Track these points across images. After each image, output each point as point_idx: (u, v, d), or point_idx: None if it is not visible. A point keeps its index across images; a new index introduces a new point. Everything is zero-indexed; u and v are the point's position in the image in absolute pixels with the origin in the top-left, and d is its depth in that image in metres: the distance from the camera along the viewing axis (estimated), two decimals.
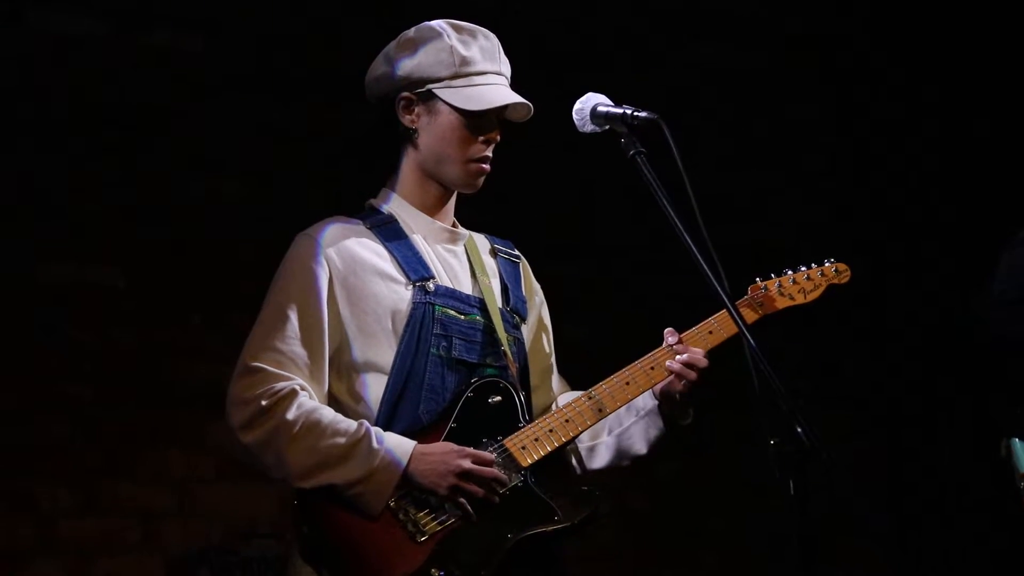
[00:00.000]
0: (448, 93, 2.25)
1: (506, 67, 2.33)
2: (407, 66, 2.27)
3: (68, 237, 3.92)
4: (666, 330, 2.30)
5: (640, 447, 2.32)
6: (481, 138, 2.27)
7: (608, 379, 2.27)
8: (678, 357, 2.25)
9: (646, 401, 2.30)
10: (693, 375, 2.24)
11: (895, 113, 4.99)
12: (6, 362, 3.79)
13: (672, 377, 2.26)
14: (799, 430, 1.84)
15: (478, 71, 2.26)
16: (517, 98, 2.27)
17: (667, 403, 2.29)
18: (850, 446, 4.75)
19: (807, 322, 2.44)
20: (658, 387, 2.28)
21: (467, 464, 2.10)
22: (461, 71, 2.25)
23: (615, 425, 2.34)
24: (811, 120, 5.03)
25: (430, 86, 2.25)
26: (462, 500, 2.10)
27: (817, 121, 5.05)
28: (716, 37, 4.83)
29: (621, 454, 2.34)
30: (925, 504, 4.88)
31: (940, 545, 4.83)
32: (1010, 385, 3.00)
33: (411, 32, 2.31)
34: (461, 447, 2.12)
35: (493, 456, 2.15)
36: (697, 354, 2.25)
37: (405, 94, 2.28)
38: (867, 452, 4.85)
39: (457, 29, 2.29)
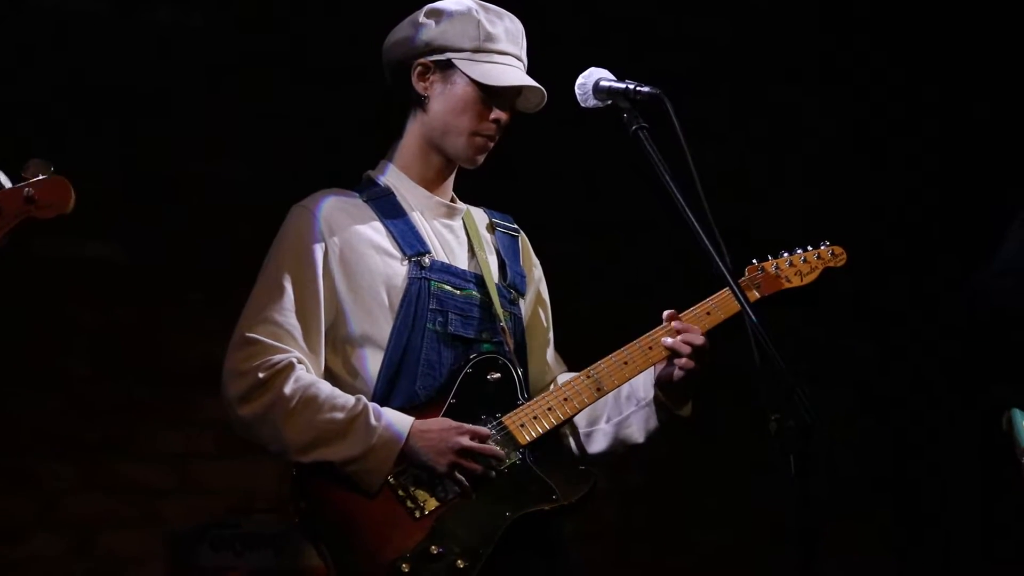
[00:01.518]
0: (468, 65, 2.24)
1: (525, 56, 2.33)
2: (430, 33, 2.27)
3: (72, 213, 3.90)
4: (665, 313, 2.28)
5: (638, 436, 2.31)
6: (492, 115, 2.26)
7: (606, 358, 2.26)
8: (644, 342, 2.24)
9: (647, 391, 2.29)
10: (687, 349, 2.22)
11: (895, 96, 4.97)
12: (5, 338, 3.79)
13: (669, 359, 2.24)
14: (800, 406, 1.84)
15: (500, 50, 2.27)
16: (533, 82, 2.27)
17: (666, 391, 2.27)
18: (853, 426, 4.75)
19: (808, 303, 2.44)
20: (658, 370, 2.26)
21: (465, 441, 2.09)
22: (484, 46, 2.25)
23: (614, 413, 2.33)
24: (810, 103, 5.01)
25: (450, 55, 2.25)
26: (460, 477, 2.09)
27: (816, 104, 5.02)
28: (716, 15, 4.81)
29: (619, 442, 2.33)
30: (926, 482, 4.89)
31: (941, 523, 4.84)
32: (1011, 359, 2.99)
33: (439, 3, 2.31)
34: (459, 424, 2.12)
35: (491, 432, 2.14)
36: (694, 332, 2.24)
37: (422, 60, 2.27)
38: (869, 431, 4.85)
39: (485, 8, 2.30)
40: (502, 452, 2.13)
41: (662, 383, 2.27)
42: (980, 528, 4.73)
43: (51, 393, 3.84)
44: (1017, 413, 2.79)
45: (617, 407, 2.32)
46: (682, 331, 2.24)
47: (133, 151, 3.97)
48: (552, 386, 2.35)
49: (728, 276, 1.99)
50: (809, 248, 2.43)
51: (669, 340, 2.23)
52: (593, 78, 2.18)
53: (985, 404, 3.04)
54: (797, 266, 2.40)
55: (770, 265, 2.38)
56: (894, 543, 4.87)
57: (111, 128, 3.95)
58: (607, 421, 2.34)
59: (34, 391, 3.82)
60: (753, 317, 1.92)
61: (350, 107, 3.91)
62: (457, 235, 2.34)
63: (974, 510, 4.75)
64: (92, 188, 3.90)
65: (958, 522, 4.80)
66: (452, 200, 2.38)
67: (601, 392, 2.24)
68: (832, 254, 2.43)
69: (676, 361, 2.23)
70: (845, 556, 4.42)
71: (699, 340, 2.23)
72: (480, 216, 2.42)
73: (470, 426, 2.12)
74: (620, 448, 2.33)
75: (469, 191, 2.42)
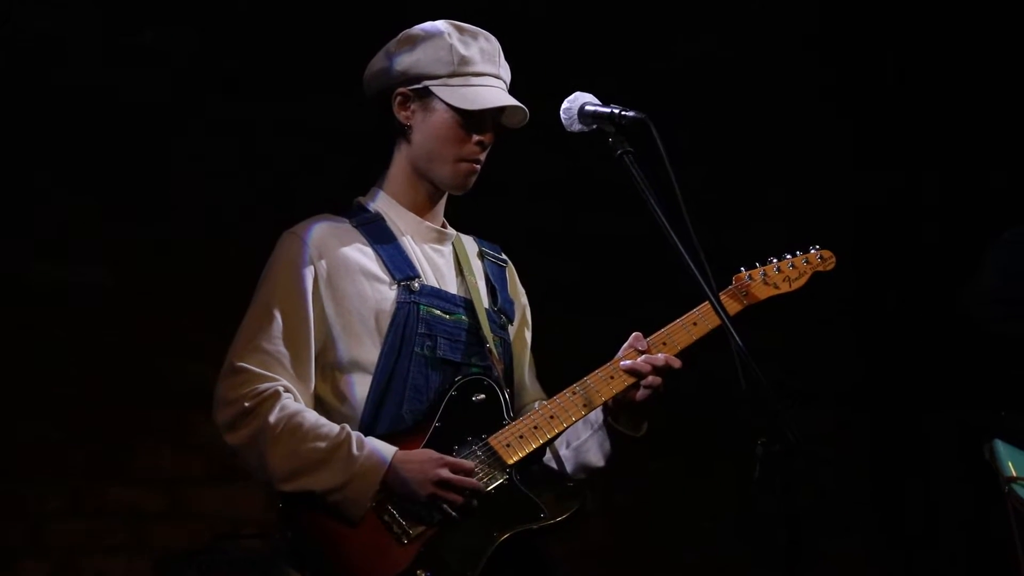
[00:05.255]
0: (445, 91, 2.25)
1: (505, 72, 2.34)
2: (405, 62, 2.27)
3: (60, 236, 3.92)
4: (633, 334, 2.28)
5: (597, 460, 2.31)
6: (475, 138, 2.27)
7: (592, 374, 2.26)
8: (637, 347, 2.24)
9: (598, 415, 2.29)
10: (648, 368, 2.21)
11: (890, 113, 5.00)
12: None
13: (629, 383, 2.22)
14: (786, 430, 1.85)
15: (476, 72, 2.27)
16: (512, 101, 2.28)
17: (623, 414, 2.27)
18: (833, 443, 4.74)
19: (790, 317, 2.44)
20: (614, 396, 2.25)
21: (445, 473, 2.09)
22: (459, 70, 2.26)
23: (573, 438, 2.33)
24: (802, 122, 5.02)
25: (427, 83, 2.26)
26: (442, 506, 2.10)
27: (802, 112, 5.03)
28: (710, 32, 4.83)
29: (579, 467, 2.33)
30: (909, 504, 4.89)
31: (925, 544, 4.84)
32: (994, 386, 3.01)
33: (412, 29, 2.32)
34: (440, 456, 2.12)
35: (472, 464, 2.14)
36: (654, 355, 2.23)
37: (401, 90, 2.28)
38: (850, 449, 4.85)
39: (459, 29, 2.30)
40: (481, 485, 2.13)
41: (619, 406, 2.26)
42: (968, 546, 4.73)
43: (39, 416, 3.82)
44: (999, 443, 2.80)
45: (575, 432, 2.32)
46: (644, 353, 2.24)
47: (122, 173, 3.98)
48: (537, 405, 2.35)
49: (709, 293, 2.00)
50: (798, 253, 2.42)
51: (628, 363, 2.22)
52: (578, 103, 2.19)
53: (970, 427, 3.05)
54: (785, 272, 2.39)
55: (757, 273, 2.38)
56: (880, 561, 4.86)
57: (100, 150, 3.95)
58: (567, 447, 2.34)
59: (22, 415, 3.80)
60: (737, 337, 1.93)
61: (343, 129, 3.92)
62: (447, 260, 2.35)
63: (962, 528, 4.75)
64: (81, 210, 3.96)
65: (945, 540, 4.80)
66: (443, 225, 2.39)
67: (589, 407, 2.23)
68: (821, 258, 2.43)
69: (641, 382, 2.22)
70: (831, 574, 4.43)
71: (660, 361, 2.22)
72: (470, 244, 2.43)
73: (451, 458, 2.12)
74: (581, 472, 2.33)
75: (459, 214, 2.43)
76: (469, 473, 2.12)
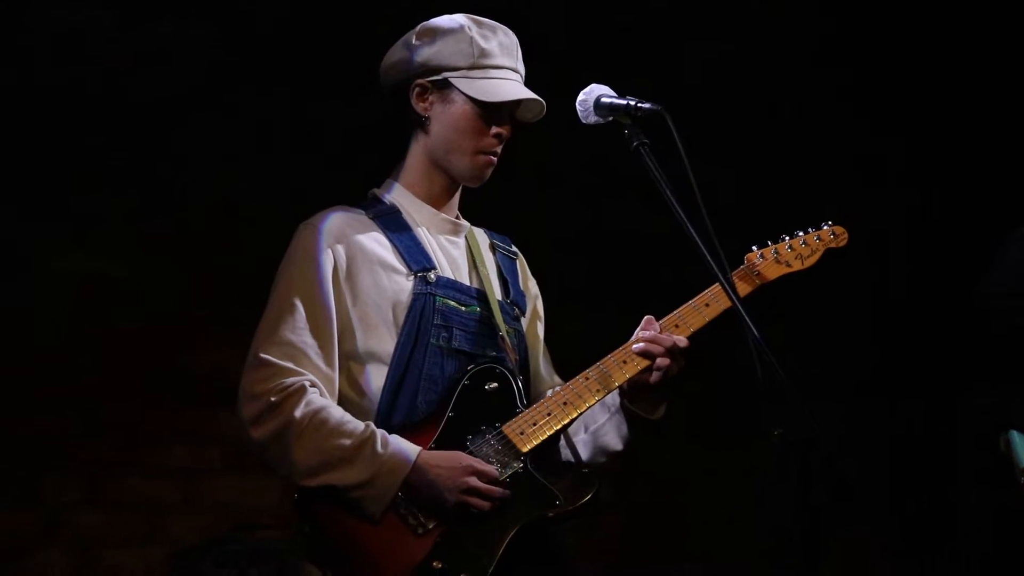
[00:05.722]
0: (464, 83, 2.26)
1: (522, 67, 2.35)
2: (425, 53, 2.28)
3: (74, 228, 3.93)
4: (645, 318, 2.29)
5: (615, 443, 2.31)
6: (493, 130, 2.28)
7: (605, 359, 2.26)
8: (643, 335, 2.24)
9: (615, 398, 2.29)
10: (660, 349, 2.21)
11: (897, 108, 4.99)
12: (11, 354, 3.80)
13: (643, 366, 2.22)
14: (802, 419, 1.85)
15: (495, 64, 2.28)
16: (531, 94, 2.29)
17: (639, 397, 2.27)
18: (847, 432, 4.75)
19: (802, 306, 2.43)
20: (629, 379, 2.25)
21: (474, 482, 2.10)
22: (479, 63, 2.27)
23: (591, 422, 2.33)
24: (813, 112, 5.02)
25: (447, 74, 2.27)
26: (467, 509, 2.10)
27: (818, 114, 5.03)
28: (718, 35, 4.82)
29: (597, 450, 2.33)
30: (926, 494, 4.88)
31: (942, 535, 4.83)
32: (1008, 379, 3.01)
33: (432, 22, 2.33)
34: (469, 462, 2.12)
35: (498, 472, 2.14)
36: (665, 337, 2.22)
37: (420, 81, 2.29)
38: (865, 438, 4.85)
39: (478, 23, 2.31)
40: (509, 494, 2.13)
41: (634, 389, 2.26)
42: (988, 539, 4.72)
43: (57, 408, 3.84)
44: (1015, 435, 2.81)
45: (593, 415, 2.32)
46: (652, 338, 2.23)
47: (139, 165, 3.99)
48: (550, 392, 2.35)
49: (722, 279, 2.00)
50: (810, 230, 2.40)
51: (640, 345, 2.23)
52: (594, 95, 2.20)
53: (988, 416, 3.05)
54: (797, 250, 2.37)
55: (769, 251, 2.37)
56: (897, 550, 4.86)
57: (116, 142, 3.97)
58: (585, 431, 2.34)
59: (40, 406, 3.82)
60: (749, 321, 1.92)
61: (357, 122, 3.93)
62: (461, 251, 2.35)
63: (981, 521, 4.74)
64: (91, 204, 3.98)
65: (964, 533, 4.79)
66: (457, 217, 2.39)
67: (602, 393, 2.23)
68: (833, 235, 2.41)
69: (653, 364, 2.22)
70: (849, 566, 4.42)
71: (668, 341, 2.22)
72: (482, 236, 2.44)
73: (479, 464, 2.12)
74: (600, 456, 2.33)
75: (472, 206, 2.43)
76: (496, 481, 2.12)
